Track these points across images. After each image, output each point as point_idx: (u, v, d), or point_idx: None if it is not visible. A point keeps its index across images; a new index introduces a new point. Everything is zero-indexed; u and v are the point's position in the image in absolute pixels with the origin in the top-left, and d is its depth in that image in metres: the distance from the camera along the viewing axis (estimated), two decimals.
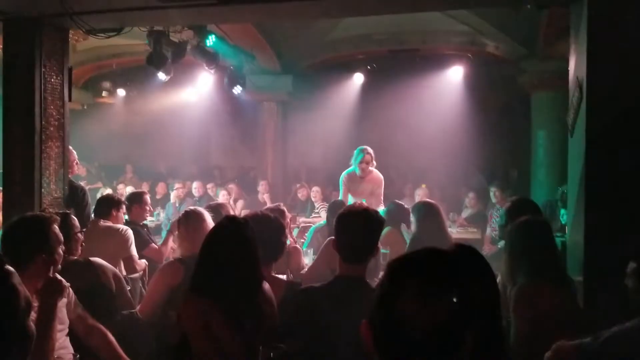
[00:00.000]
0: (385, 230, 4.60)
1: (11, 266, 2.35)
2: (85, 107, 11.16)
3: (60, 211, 3.55)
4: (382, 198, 6.08)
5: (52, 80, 4.54)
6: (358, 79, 10.40)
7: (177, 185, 9.13)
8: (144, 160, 13.11)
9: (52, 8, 4.06)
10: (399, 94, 9.82)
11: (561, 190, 6.00)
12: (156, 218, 8.57)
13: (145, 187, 9.91)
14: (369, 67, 10.16)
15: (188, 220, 3.49)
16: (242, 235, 2.43)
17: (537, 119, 8.65)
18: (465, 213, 7.91)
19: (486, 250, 6.44)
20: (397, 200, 5.31)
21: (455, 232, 6.82)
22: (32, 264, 2.40)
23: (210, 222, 3.45)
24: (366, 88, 10.50)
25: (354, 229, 2.51)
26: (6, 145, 4.49)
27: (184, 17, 4.71)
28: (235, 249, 2.38)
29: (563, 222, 5.38)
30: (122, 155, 12.52)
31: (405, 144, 10.29)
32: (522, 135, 9.17)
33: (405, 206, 4.98)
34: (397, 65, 9.76)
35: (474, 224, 7.55)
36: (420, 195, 7.26)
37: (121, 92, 11.23)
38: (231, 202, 8.34)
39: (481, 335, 1.55)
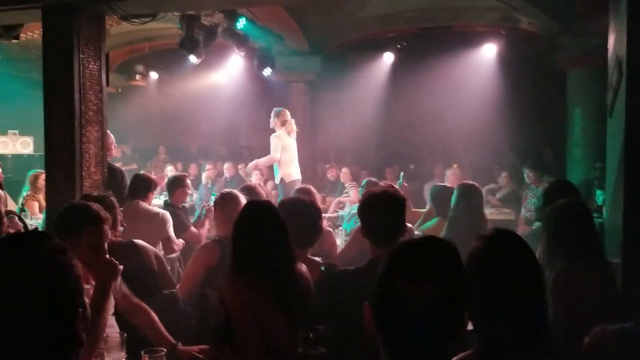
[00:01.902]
0: (433, 221, 4.61)
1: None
2: (119, 91, 11.34)
3: (101, 193, 3.66)
4: None
5: (90, 66, 4.64)
6: (388, 58, 10.31)
7: (208, 166, 9.27)
8: (176, 142, 13.33)
9: None
10: (430, 73, 9.70)
11: (597, 168, 5.89)
12: (190, 199, 8.73)
13: (179, 168, 10.10)
14: (399, 46, 10.05)
15: (224, 203, 3.57)
16: (268, 216, 2.48)
17: (572, 97, 8.46)
18: (499, 193, 7.83)
19: (520, 231, 6.38)
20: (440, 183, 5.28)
21: (489, 213, 6.74)
22: (80, 240, 2.49)
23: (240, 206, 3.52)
24: (396, 67, 10.41)
25: (377, 212, 2.54)
26: (48, 130, 4.62)
27: (216, 2, 4.74)
28: (265, 229, 2.43)
29: (599, 203, 5.29)
30: (155, 137, 12.74)
31: (436, 123, 10.19)
32: (556, 113, 8.98)
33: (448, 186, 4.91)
34: (427, 43, 9.63)
35: (507, 205, 7.46)
36: (451, 175, 7.18)
37: (154, 75, 11.38)
38: (261, 182, 8.43)
39: (522, 318, 1.58)
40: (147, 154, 12.56)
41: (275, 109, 6.98)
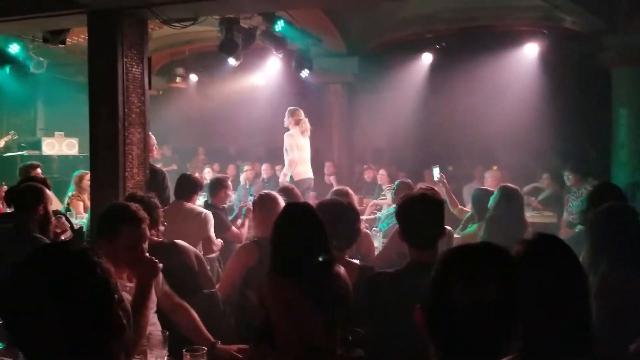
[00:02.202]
0: (474, 227, 4.55)
1: (101, 241, 2.55)
2: (160, 93, 11.59)
3: (144, 194, 3.75)
4: None
5: (133, 69, 4.77)
6: (426, 58, 10.22)
7: (246, 167, 9.38)
8: (214, 143, 13.52)
9: (132, 0, 4.24)
10: (469, 73, 9.55)
11: None
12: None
13: (216, 169, 10.25)
14: (437, 46, 9.95)
15: (262, 204, 3.61)
16: (307, 218, 2.48)
17: (618, 97, 8.20)
18: (541, 195, 7.67)
19: (562, 235, 6.23)
20: (481, 187, 5.21)
21: (530, 215, 6.60)
22: (119, 239, 2.56)
23: (283, 205, 3.55)
24: (435, 68, 10.30)
25: (416, 215, 2.52)
26: (93, 132, 4.77)
27: (256, 5, 4.80)
28: (303, 231, 2.44)
29: None
30: (194, 138, 12.95)
31: (476, 124, 10.03)
32: (601, 114, 8.72)
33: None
34: (467, 43, 9.50)
35: (549, 207, 7.30)
36: (490, 177, 7.06)
37: (193, 77, 11.56)
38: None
39: (566, 324, 1.55)
40: (186, 155, 12.79)
41: (289, 108, 7.06)
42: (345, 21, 8.39)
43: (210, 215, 4.61)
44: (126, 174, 4.68)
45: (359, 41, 9.29)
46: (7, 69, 9.19)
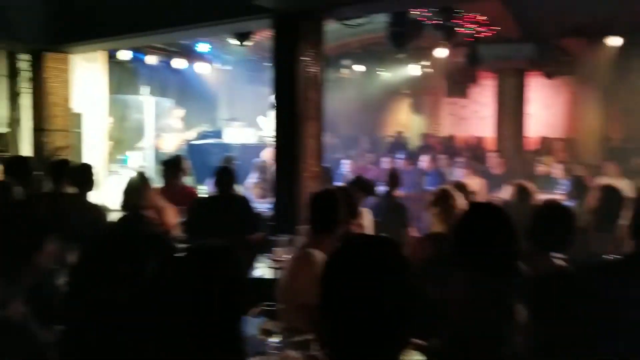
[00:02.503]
0: None
1: (322, 231, 2.89)
2: (327, 84, 12.06)
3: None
4: None
5: (311, 67, 5.06)
6: (613, 42, 9.28)
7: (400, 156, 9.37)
8: (378, 132, 13.77)
9: (313, 3, 4.51)
10: None
11: None
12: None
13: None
14: (628, 30, 8.99)
15: (441, 199, 3.65)
16: (496, 218, 2.47)
17: None
18: None
19: None
20: None
21: None
22: (337, 229, 2.88)
23: (460, 201, 3.57)
24: (623, 53, 9.34)
25: None
26: (276, 125, 5.18)
27: (431, 1, 4.80)
28: (490, 229, 2.43)
29: None
30: (359, 127, 13.30)
31: None
32: None
33: None
34: None
35: None
36: None
37: (360, 67, 11.82)
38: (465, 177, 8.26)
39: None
40: (350, 144, 13.19)
41: None
42: (522, 6, 7.96)
43: None
44: (304, 165, 5.01)
45: (536, 26, 8.76)
46: (197, 66, 10.29)
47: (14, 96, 7.55)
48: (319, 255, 2.91)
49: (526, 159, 9.89)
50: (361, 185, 5.07)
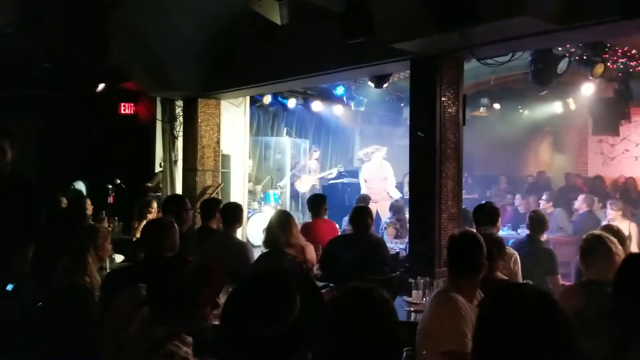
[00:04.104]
0: None
1: (462, 274, 2.91)
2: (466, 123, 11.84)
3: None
4: None
5: (450, 107, 5.02)
6: None
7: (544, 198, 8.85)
8: (517, 171, 13.18)
9: (453, 44, 4.49)
10: None
11: None
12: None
13: (518, 200, 9.91)
14: None
15: (592, 247, 3.38)
16: None
17: None
18: None
19: None
20: None
21: None
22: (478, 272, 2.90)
23: (614, 250, 3.28)
24: None
25: None
26: (412, 164, 5.17)
27: (578, 37, 4.58)
28: None
29: None
30: (496, 166, 12.83)
31: None
32: None
33: None
34: None
35: None
36: None
37: (497, 106, 11.50)
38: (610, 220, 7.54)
39: None
40: (487, 183, 12.73)
41: None
42: None
43: None
44: (442, 206, 4.93)
45: None
46: (334, 107, 10.67)
47: (171, 139, 8.34)
48: (461, 299, 2.83)
49: None
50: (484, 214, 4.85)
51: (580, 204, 8.11)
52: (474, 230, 3.66)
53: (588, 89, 9.10)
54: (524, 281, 4.06)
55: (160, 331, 2.10)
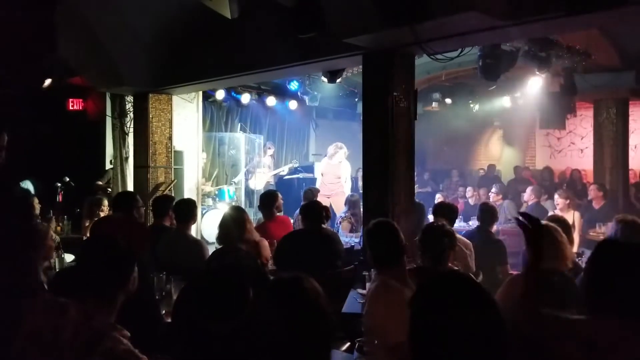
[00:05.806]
0: None
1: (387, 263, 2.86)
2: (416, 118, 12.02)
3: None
4: None
5: (401, 102, 5.08)
6: None
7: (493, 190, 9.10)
8: (468, 165, 13.49)
9: (404, 39, 4.55)
10: None
11: None
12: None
13: (469, 193, 10.17)
14: None
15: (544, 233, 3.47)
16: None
17: None
18: None
19: None
20: None
21: None
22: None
23: (560, 239, 3.38)
24: None
25: None
26: (366, 160, 5.22)
27: (525, 32, 4.71)
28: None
29: None
30: (448, 160, 13.10)
31: None
32: None
33: None
34: None
35: None
36: None
37: (448, 100, 11.73)
38: (557, 210, 7.85)
39: None
40: (440, 177, 13.00)
41: None
42: (622, 34, 7.60)
43: None
44: (395, 200, 5.00)
45: (637, 54, 8.31)
46: (288, 103, 10.64)
47: (122, 135, 8.14)
48: (397, 288, 2.87)
49: (629, 193, 9.28)
50: (444, 212, 4.98)
51: (528, 196, 8.37)
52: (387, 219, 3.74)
53: (535, 83, 9.40)
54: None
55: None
